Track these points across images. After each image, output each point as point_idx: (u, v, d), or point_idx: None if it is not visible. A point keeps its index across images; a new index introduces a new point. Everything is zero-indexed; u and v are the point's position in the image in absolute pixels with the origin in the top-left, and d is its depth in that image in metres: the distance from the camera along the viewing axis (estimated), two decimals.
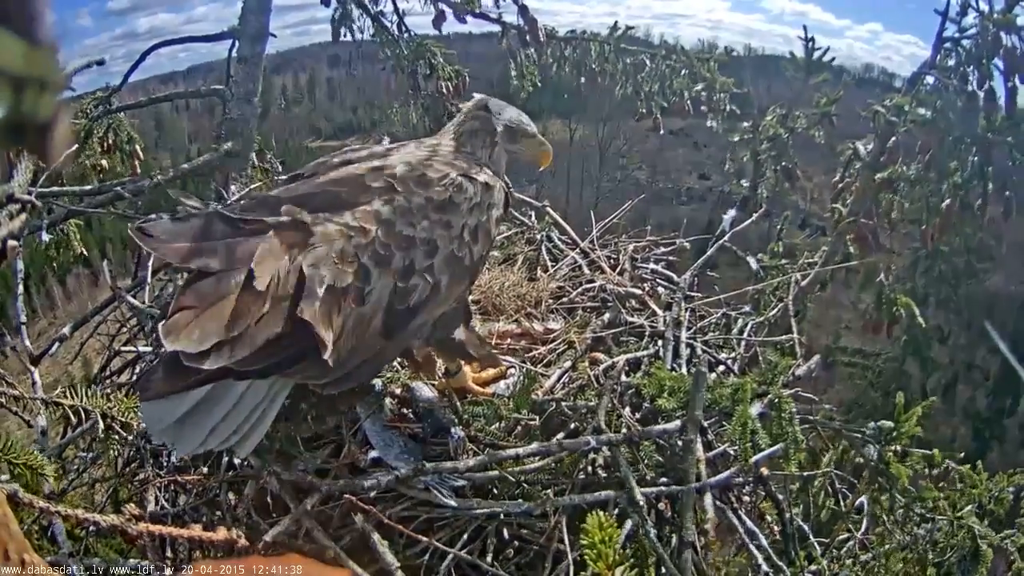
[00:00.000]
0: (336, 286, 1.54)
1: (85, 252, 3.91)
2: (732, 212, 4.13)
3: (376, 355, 1.68)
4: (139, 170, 4.14)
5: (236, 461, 1.82)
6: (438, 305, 1.73)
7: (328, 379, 1.58)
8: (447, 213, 1.73)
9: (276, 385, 1.59)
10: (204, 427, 1.51)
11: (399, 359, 2.00)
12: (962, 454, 2.77)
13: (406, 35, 4.77)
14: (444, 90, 4.68)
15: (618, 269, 2.76)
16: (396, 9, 4.72)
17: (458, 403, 1.93)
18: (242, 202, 1.98)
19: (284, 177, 1.97)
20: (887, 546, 2.53)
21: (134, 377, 2.36)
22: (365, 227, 1.62)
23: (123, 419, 1.65)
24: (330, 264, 1.55)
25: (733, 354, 2.47)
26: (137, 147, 4.18)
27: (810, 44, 4.40)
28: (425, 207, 1.70)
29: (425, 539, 1.60)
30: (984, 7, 3.78)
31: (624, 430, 1.86)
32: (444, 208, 1.73)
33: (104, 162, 4.03)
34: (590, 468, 1.85)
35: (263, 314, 1.45)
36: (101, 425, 1.60)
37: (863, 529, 2.51)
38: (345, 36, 4.85)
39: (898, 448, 2.50)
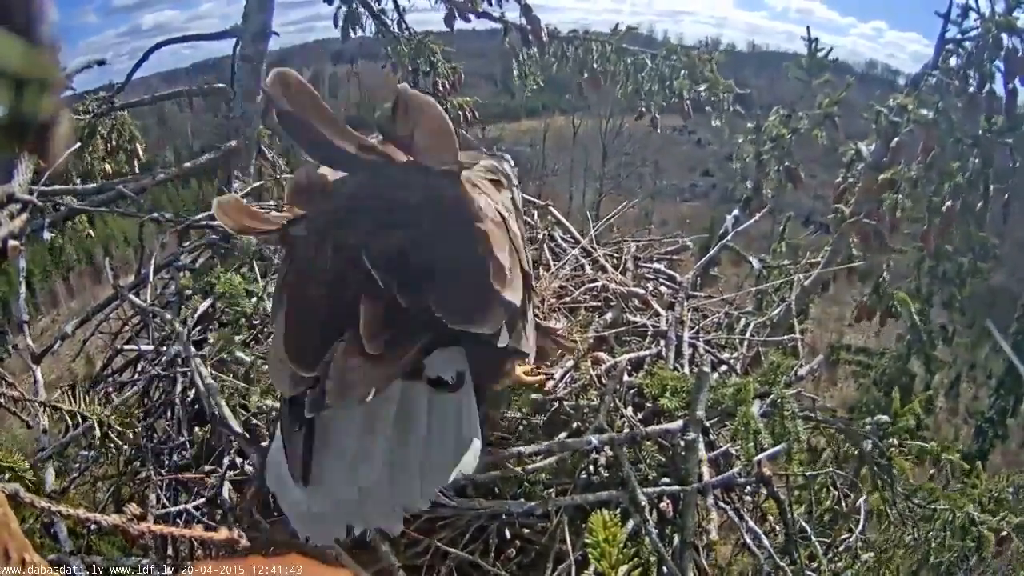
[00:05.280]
0: (520, 235, 1.19)
1: (92, 234, 3.84)
2: (735, 212, 4.14)
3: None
4: (137, 169, 4.13)
5: (238, 460, 1.81)
6: None
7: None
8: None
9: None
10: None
11: None
12: (960, 446, 2.78)
13: (406, 33, 4.77)
14: (440, 87, 4.69)
15: (621, 268, 2.75)
16: (396, 7, 4.72)
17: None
18: None
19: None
20: (888, 545, 2.53)
21: (136, 375, 2.36)
22: (487, 181, 1.29)
23: (119, 427, 1.63)
24: (502, 206, 1.19)
25: (736, 354, 2.47)
26: (138, 146, 4.17)
27: (813, 45, 4.41)
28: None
29: (426, 539, 1.60)
30: (985, 9, 3.77)
31: (626, 430, 1.86)
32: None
33: (108, 167, 4.03)
34: (592, 468, 1.83)
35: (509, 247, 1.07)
36: (98, 432, 1.58)
37: (862, 527, 2.51)
38: (350, 33, 4.85)
39: (895, 442, 2.50)
